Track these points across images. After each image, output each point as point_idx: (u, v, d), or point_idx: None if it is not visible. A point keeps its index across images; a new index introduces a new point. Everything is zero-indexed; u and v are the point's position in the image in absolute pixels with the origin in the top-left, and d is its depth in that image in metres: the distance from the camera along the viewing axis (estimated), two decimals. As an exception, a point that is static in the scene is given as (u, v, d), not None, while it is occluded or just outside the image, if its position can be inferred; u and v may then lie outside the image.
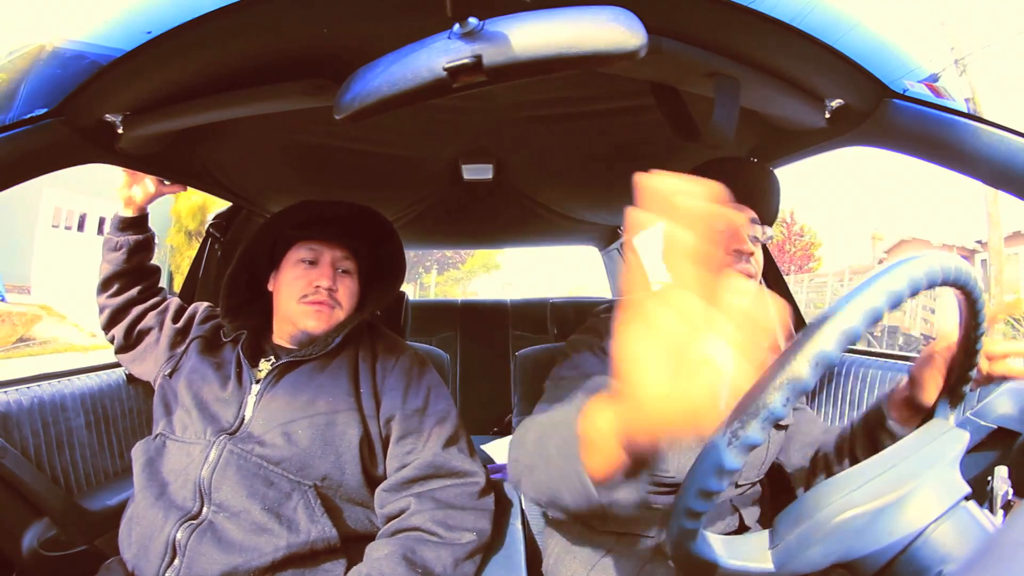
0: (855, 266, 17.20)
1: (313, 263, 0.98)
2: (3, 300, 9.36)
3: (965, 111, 0.65)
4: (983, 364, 0.67)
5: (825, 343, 0.41)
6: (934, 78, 0.69)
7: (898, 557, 0.47)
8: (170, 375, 0.97)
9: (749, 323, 0.33)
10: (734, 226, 0.38)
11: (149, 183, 1.05)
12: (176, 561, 0.77)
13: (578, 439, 0.49)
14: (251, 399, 0.91)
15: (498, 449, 2.12)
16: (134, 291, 1.08)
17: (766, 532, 0.52)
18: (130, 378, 1.25)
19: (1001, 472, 0.54)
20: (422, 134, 1.17)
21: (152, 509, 0.82)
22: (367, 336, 1.02)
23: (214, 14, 0.60)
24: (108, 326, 1.09)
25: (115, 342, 1.09)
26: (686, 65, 0.70)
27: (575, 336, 0.96)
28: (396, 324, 1.54)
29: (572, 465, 0.49)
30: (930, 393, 0.68)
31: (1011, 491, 0.53)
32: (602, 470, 0.46)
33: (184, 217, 10.69)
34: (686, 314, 0.32)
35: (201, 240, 1.65)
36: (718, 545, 0.51)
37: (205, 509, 0.81)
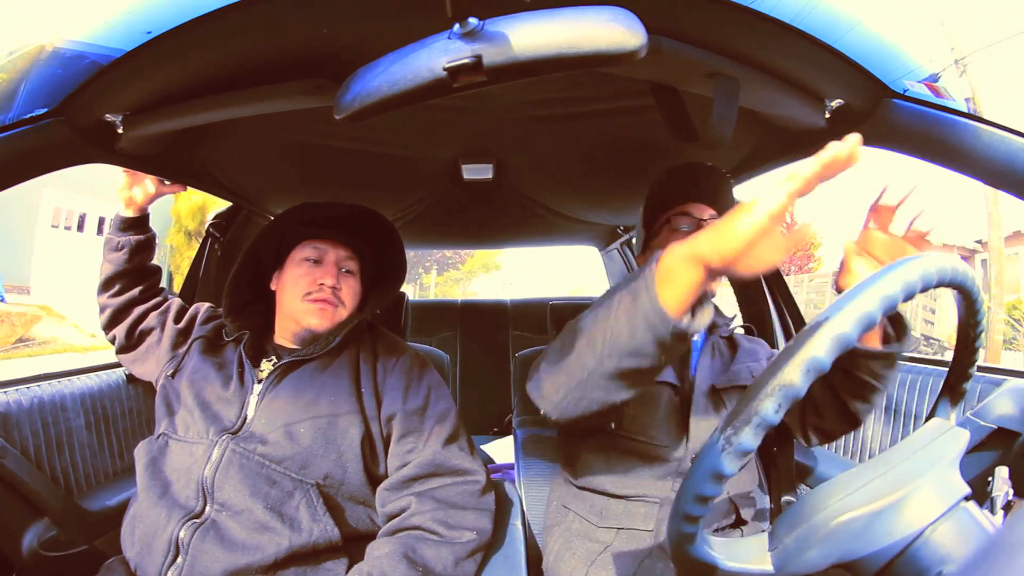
0: (855, 266, 17.13)
1: (318, 262, 0.99)
2: (2, 300, 9.36)
3: (965, 111, 0.65)
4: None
5: (817, 350, 0.41)
6: (934, 78, 0.69)
7: (898, 558, 0.46)
8: (172, 375, 0.97)
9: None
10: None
11: (149, 183, 1.05)
12: (179, 559, 0.78)
13: (652, 278, 0.58)
14: (253, 398, 0.91)
15: (498, 449, 2.12)
16: (135, 291, 1.08)
17: (765, 534, 0.52)
18: (130, 378, 1.25)
19: (1001, 472, 0.54)
20: (422, 134, 1.17)
21: (155, 508, 0.82)
22: (368, 336, 1.03)
23: (214, 14, 0.60)
24: (109, 326, 1.09)
25: (116, 342, 1.09)
26: (686, 65, 0.70)
27: None
28: (396, 324, 1.54)
29: (645, 301, 0.58)
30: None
31: (1011, 491, 0.53)
32: (677, 299, 0.57)
33: (184, 217, 10.69)
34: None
35: (201, 240, 1.65)
36: (717, 547, 0.51)
37: (208, 508, 0.81)
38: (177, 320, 1.07)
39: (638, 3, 0.54)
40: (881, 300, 0.42)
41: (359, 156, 1.26)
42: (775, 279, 1.55)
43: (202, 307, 1.10)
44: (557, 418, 0.76)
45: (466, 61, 0.53)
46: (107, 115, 0.77)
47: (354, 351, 0.98)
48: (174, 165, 1.07)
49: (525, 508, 1.13)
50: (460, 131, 1.16)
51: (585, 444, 1.03)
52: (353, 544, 0.86)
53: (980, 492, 0.52)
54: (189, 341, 1.02)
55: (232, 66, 0.74)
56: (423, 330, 2.69)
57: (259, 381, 0.93)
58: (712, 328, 1.06)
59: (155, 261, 1.15)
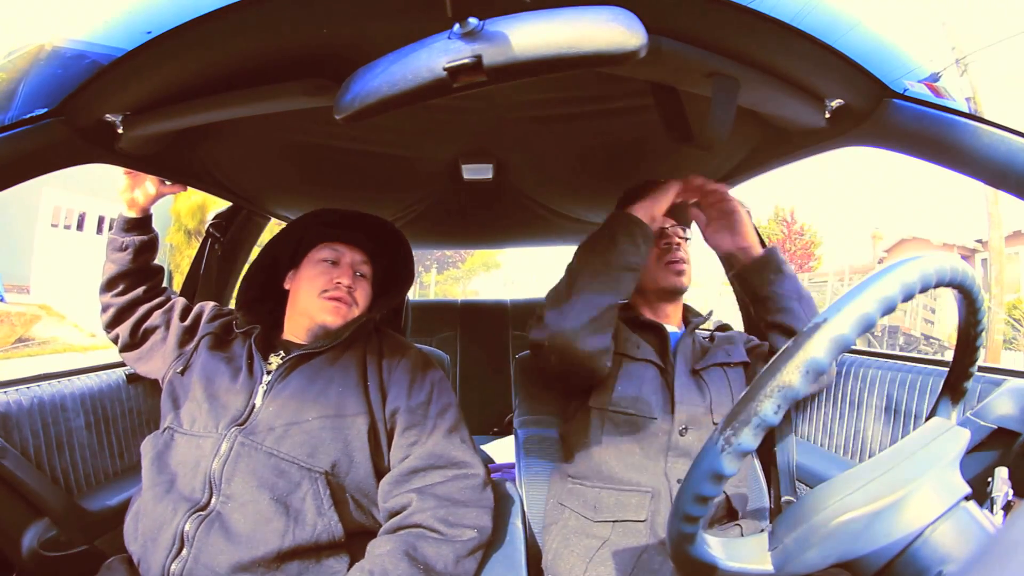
0: (855, 265, 17.20)
1: (335, 263, 1.04)
2: (2, 300, 9.36)
3: (966, 111, 0.65)
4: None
5: (816, 351, 0.42)
6: (934, 78, 0.69)
7: (898, 558, 0.46)
8: (182, 372, 0.99)
9: None
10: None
11: (150, 184, 1.06)
12: (183, 552, 0.79)
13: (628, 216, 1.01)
14: (261, 388, 0.93)
15: (498, 449, 2.12)
16: (139, 290, 1.09)
17: (765, 534, 0.52)
18: (130, 378, 1.25)
19: (1001, 473, 0.54)
20: (422, 134, 1.17)
21: (161, 502, 0.83)
22: (374, 336, 1.06)
23: (214, 14, 0.60)
24: (112, 325, 1.10)
25: (120, 341, 1.10)
26: (685, 65, 0.70)
27: None
28: (397, 324, 1.54)
29: (625, 222, 1.00)
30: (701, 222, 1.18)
31: (1011, 491, 0.53)
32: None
33: (184, 216, 10.68)
34: None
35: (201, 239, 1.65)
36: (717, 548, 0.51)
37: (214, 500, 0.82)
38: (183, 318, 1.08)
39: (638, 3, 0.54)
40: (880, 301, 0.42)
41: (359, 156, 1.26)
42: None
43: (207, 306, 1.12)
44: (563, 339, 0.96)
45: (466, 61, 0.53)
46: (107, 115, 0.77)
47: (360, 349, 1.01)
48: (174, 165, 1.07)
49: (526, 507, 1.13)
50: (460, 131, 1.16)
51: (581, 428, 1.09)
52: (355, 541, 0.87)
53: (980, 492, 0.52)
54: (197, 338, 1.04)
55: (232, 66, 0.74)
56: (423, 330, 2.69)
57: (268, 373, 0.96)
58: (688, 322, 1.22)
59: (156, 260, 1.16)
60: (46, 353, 8.23)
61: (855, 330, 0.42)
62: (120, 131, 0.80)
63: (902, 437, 0.61)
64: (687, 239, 1.20)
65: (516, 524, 0.99)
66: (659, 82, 0.81)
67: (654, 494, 0.97)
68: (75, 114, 0.70)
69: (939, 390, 0.64)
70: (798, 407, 1.31)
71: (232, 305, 1.42)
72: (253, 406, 0.91)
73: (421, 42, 0.56)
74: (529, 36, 0.53)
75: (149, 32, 0.61)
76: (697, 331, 1.22)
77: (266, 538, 0.79)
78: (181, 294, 1.44)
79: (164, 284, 1.17)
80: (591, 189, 1.62)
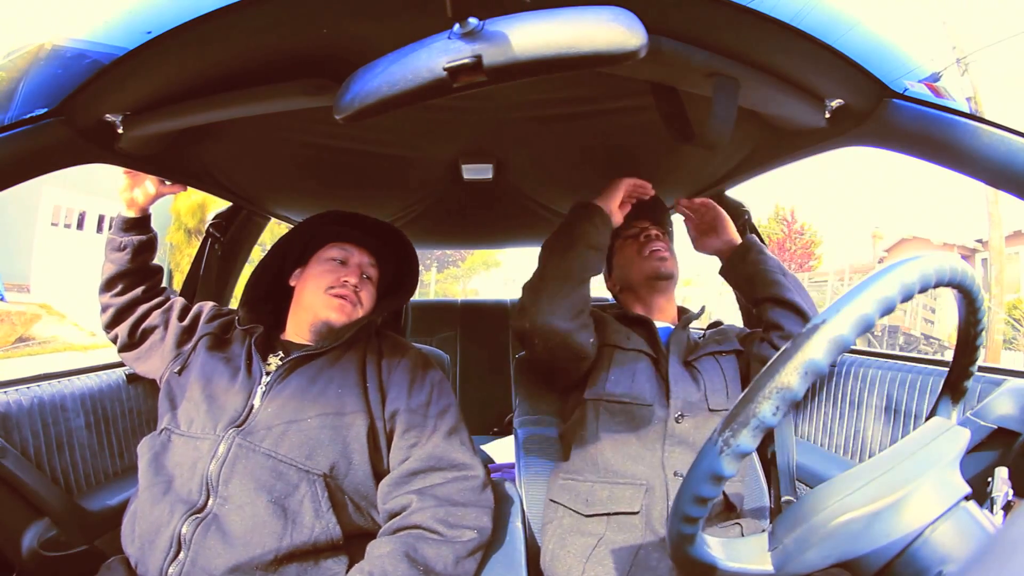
0: (855, 265, 17.19)
1: (343, 262, 1.06)
2: (2, 299, 9.35)
3: (966, 111, 0.65)
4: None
5: (815, 352, 0.41)
6: (935, 78, 0.69)
7: (898, 558, 0.47)
8: (180, 372, 0.99)
9: None
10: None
11: (150, 184, 1.06)
12: (181, 555, 0.78)
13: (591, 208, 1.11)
14: (260, 389, 0.93)
15: (498, 449, 2.12)
16: (138, 290, 1.09)
17: (765, 534, 0.52)
18: (130, 378, 1.25)
19: (1001, 473, 0.54)
20: (422, 134, 1.17)
21: (158, 504, 0.83)
22: (375, 338, 1.06)
23: (214, 14, 0.60)
24: (111, 325, 1.09)
25: (118, 341, 1.10)
26: (686, 65, 0.70)
27: None
28: (396, 324, 1.54)
29: (590, 214, 1.09)
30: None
31: (1011, 491, 0.53)
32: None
33: (184, 215, 10.68)
34: None
35: (201, 238, 1.65)
36: (717, 548, 0.51)
37: (211, 502, 0.82)
38: (181, 318, 1.08)
39: (638, 3, 0.54)
40: (879, 302, 0.42)
41: (359, 156, 1.26)
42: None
43: (206, 306, 1.12)
44: (541, 320, 1.03)
45: (466, 61, 0.53)
46: (107, 115, 0.77)
47: (361, 350, 1.01)
48: (174, 165, 1.07)
49: (525, 508, 1.13)
50: (460, 131, 1.16)
51: (578, 422, 1.11)
52: (354, 543, 0.86)
53: (980, 492, 0.52)
54: (195, 338, 1.04)
55: (232, 66, 0.74)
56: (423, 330, 2.69)
57: (267, 374, 0.95)
58: (680, 316, 1.27)
59: (155, 260, 1.16)
60: (46, 352, 8.23)
61: (854, 331, 0.42)
62: (120, 131, 0.80)
63: (902, 437, 0.61)
64: (666, 233, 1.29)
65: (516, 525, 0.99)
66: (659, 82, 0.81)
67: (648, 487, 0.98)
68: (75, 114, 0.70)
69: (939, 390, 0.64)
70: (798, 407, 1.32)
71: (234, 303, 1.43)
72: (252, 407, 0.91)
73: (421, 42, 0.56)
74: (529, 36, 0.53)
75: (149, 32, 0.61)
76: (691, 328, 1.27)
77: (263, 540, 0.79)
78: (181, 294, 1.44)
79: (164, 284, 1.17)
80: (591, 189, 1.62)
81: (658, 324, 1.20)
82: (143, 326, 1.08)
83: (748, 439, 0.43)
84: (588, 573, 0.94)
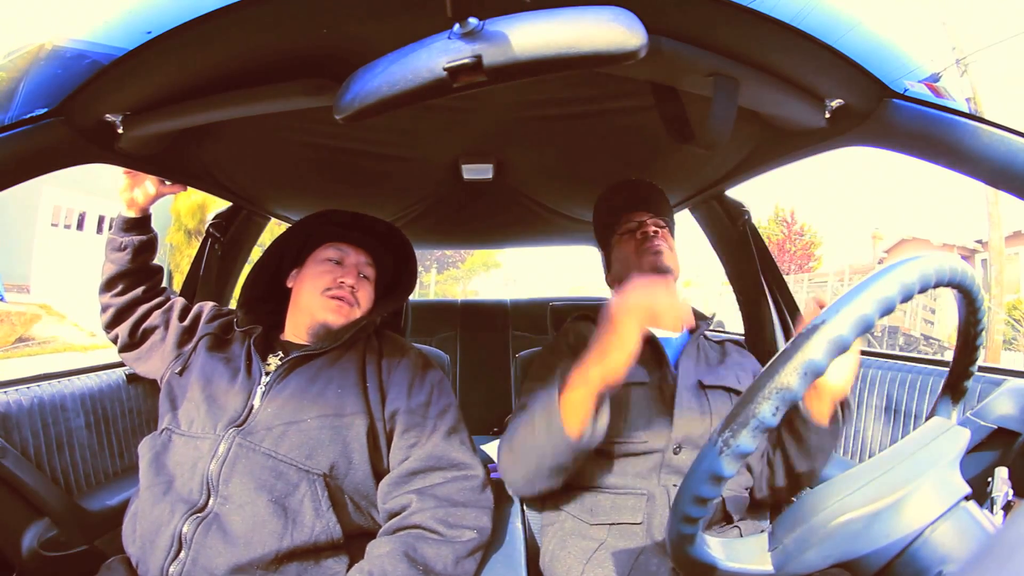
0: (855, 265, 17.19)
1: (339, 263, 1.05)
2: (2, 299, 9.35)
3: (966, 111, 0.65)
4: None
5: (814, 352, 0.41)
6: (934, 78, 0.69)
7: (898, 558, 0.46)
8: (180, 372, 0.99)
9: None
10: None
11: (150, 184, 1.06)
12: (182, 554, 0.78)
13: (557, 405, 0.82)
14: (260, 390, 0.93)
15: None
16: (139, 290, 1.09)
17: (765, 534, 0.52)
18: (130, 378, 1.25)
19: (1001, 473, 0.54)
20: (422, 134, 1.17)
21: (159, 504, 0.83)
22: (374, 338, 1.06)
23: (214, 14, 0.60)
24: (111, 325, 1.09)
25: (119, 341, 1.09)
26: (686, 65, 0.70)
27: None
28: (396, 324, 1.54)
29: (554, 424, 0.82)
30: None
31: (1011, 491, 0.53)
32: (577, 424, 0.81)
33: (183, 215, 10.68)
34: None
35: (201, 239, 1.65)
36: (717, 548, 0.51)
37: (212, 501, 0.82)
38: (181, 318, 1.08)
39: (638, 3, 0.54)
40: (878, 302, 0.42)
41: (359, 156, 1.26)
42: (775, 278, 1.55)
43: (206, 306, 1.12)
44: (517, 490, 0.96)
45: (466, 61, 0.53)
46: (107, 115, 0.77)
47: (360, 350, 1.01)
48: (174, 165, 1.07)
49: (525, 508, 1.13)
50: (460, 131, 1.16)
51: None
52: (354, 542, 0.86)
53: (980, 492, 0.52)
54: (195, 339, 1.04)
55: (232, 66, 0.74)
56: (423, 330, 2.69)
57: (266, 374, 0.95)
58: (694, 328, 1.11)
59: (155, 260, 1.15)
60: (46, 353, 8.23)
61: (853, 331, 0.41)
62: (120, 131, 0.80)
63: (902, 437, 0.61)
64: (664, 227, 1.16)
65: (515, 525, 0.99)
66: (659, 82, 0.81)
67: (650, 497, 0.97)
68: (75, 114, 0.70)
69: (939, 390, 0.63)
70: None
71: (234, 303, 1.42)
72: (251, 407, 0.91)
73: (421, 42, 0.56)
74: (529, 36, 0.53)
75: (149, 32, 0.61)
76: (704, 338, 1.15)
77: (264, 540, 0.79)
78: (181, 294, 1.44)
79: (164, 284, 1.17)
80: (591, 189, 1.62)
81: (661, 335, 1.07)
82: (143, 326, 1.08)
83: (748, 439, 0.43)
84: (587, 575, 0.94)
